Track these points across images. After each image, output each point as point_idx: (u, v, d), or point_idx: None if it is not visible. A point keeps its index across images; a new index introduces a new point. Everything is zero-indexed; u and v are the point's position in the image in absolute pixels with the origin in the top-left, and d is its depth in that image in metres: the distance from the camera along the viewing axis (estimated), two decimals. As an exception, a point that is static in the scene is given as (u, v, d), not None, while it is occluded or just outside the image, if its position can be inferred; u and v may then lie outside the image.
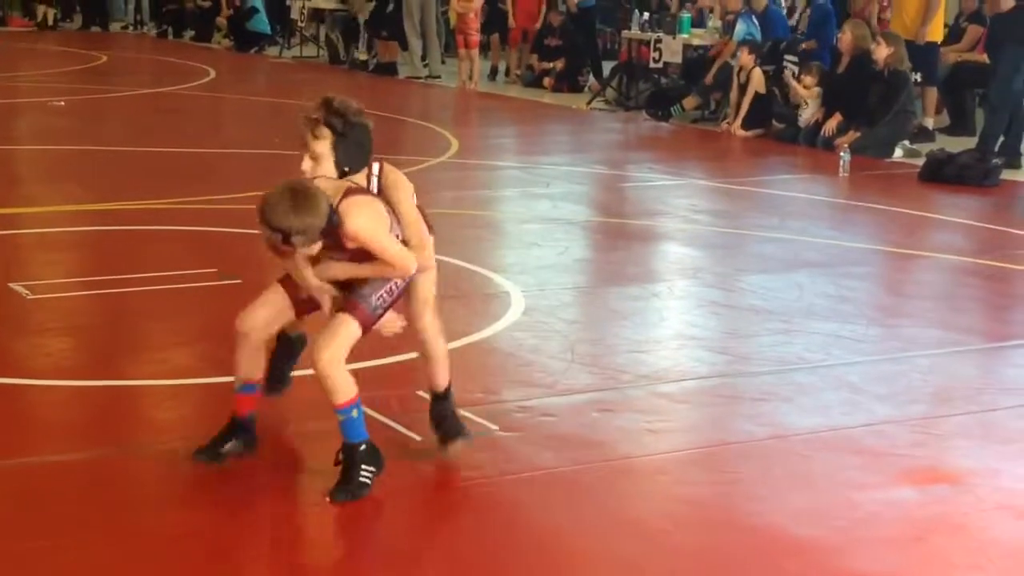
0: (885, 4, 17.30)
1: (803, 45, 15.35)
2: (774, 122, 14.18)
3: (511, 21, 19.53)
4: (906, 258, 8.82)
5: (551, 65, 18.31)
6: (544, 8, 19.01)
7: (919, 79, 14.05)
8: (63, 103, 14.85)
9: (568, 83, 18.17)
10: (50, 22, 25.23)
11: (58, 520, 4.32)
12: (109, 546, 4.15)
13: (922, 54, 13.91)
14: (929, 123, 14.32)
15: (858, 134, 12.74)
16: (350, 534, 4.45)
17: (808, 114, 13.68)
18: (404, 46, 19.81)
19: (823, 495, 4.73)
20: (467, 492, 4.69)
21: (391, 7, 19.45)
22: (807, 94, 13.73)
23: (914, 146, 13.08)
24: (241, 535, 4.33)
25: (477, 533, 4.42)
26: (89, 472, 4.74)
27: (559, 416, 5.45)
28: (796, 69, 15.06)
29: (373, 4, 19.96)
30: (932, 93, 14.45)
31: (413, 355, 5.85)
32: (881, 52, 12.95)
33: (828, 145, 12.95)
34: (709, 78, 15.59)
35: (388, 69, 19.64)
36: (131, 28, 26.49)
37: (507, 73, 19.72)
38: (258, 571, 4.11)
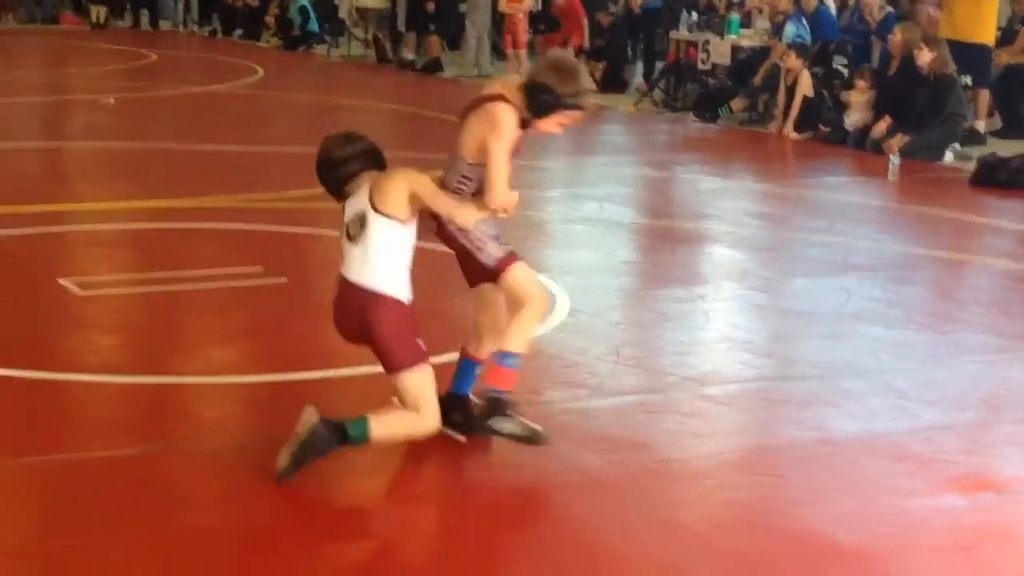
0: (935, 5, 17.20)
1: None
2: (822, 125, 14.09)
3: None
4: (956, 263, 8.75)
5: (597, 66, 18.30)
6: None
7: (970, 82, 13.93)
8: (113, 101, 14.96)
9: (613, 84, 18.13)
10: (102, 21, 25.43)
11: (102, 516, 4.35)
12: (152, 543, 4.16)
13: (974, 56, 13.79)
14: (980, 126, 14.20)
15: (907, 138, 12.64)
16: (394, 533, 4.44)
17: (855, 118, 13.59)
18: (450, 43, 19.85)
19: (869, 501, 4.68)
20: (511, 493, 4.67)
21: (432, 6, 19.51)
22: (857, 99, 13.64)
23: (965, 149, 12.97)
24: (284, 531, 4.33)
25: (521, 534, 4.41)
26: (134, 468, 4.76)
27: (604, 418, 5.43)
28: (846, 71, 14.99)
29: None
30: (984, 96, 14.32)
31: (452, 355, 5.87)
32: (924, 57, 12.84)
33: (877, 148, 12.86)
34: (757, 80, 15.53)
35: (433, 67, 19.68)
36: (181, 27, 26.66)
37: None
38: (300, 568, 4.11)
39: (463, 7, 19.77)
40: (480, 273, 4.94)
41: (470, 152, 4.87)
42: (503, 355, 4.84)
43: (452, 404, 4.98)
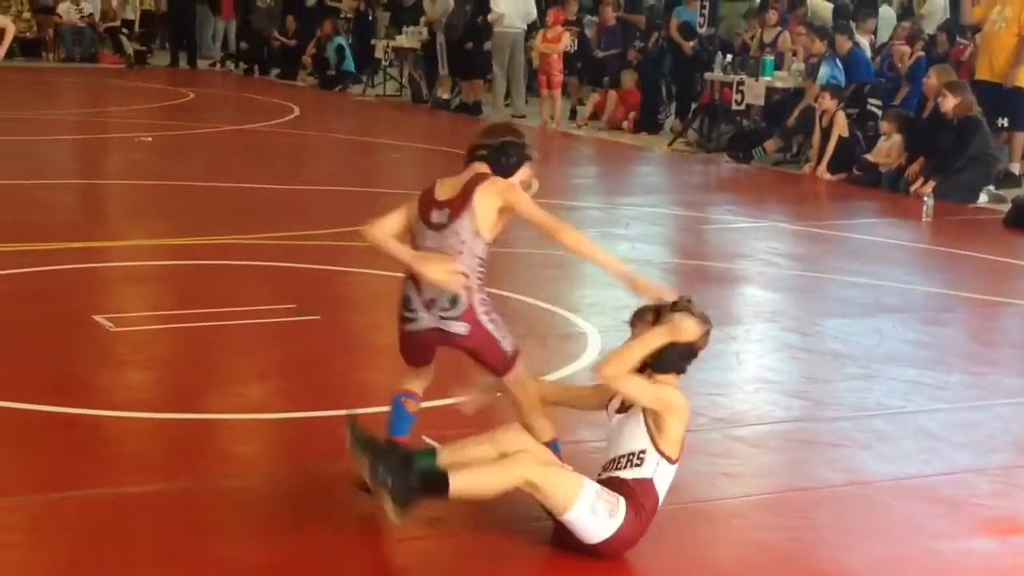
0: (965, 48, 17.19)
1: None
2: (855, 167, 14.08)
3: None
4: (989, 305, 8.71)
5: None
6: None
7: (1005, 124, 13.91)
8: (150, 139, 15.10)
9: (647, 124, 18.17)
10: (132, 57, 25.66)
11: (135, 552, 4.37)
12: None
13: (1009, 99, 13.77)
14: (1015, 168, 14.14)
15: (933, 182, 12.62)
16: (424, 569, 4.45)
17: (879, 157, 13.63)
18: (489, 85, 19.96)
19: (901, 544, 4.66)
20: (536, 533, 4.66)
21: (471, 45, 19.58)
22: (885, 147, 13.67)
23: (999, 191, 12.93)
24: (317, 569, 4.34)
25: (553, 573, 4.41)
26: (165, 505, 4.78)
27: (633, 458, 5.41)
28: (880, 112, 14.98)
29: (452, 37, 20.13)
30: (1019, 138, 14.27)
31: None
32: (948, 103, 12.83)
33: (911, 189, 12.86)
34: (791, 121, 15.53)
35: (472, 108, 19.76)
36: (218, 65, 26.89)
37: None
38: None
39: (487, 45, 19.83)
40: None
41: (489, 230, 4.79)
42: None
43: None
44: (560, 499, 4.27)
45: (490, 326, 4.67)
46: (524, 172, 4.93)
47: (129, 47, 25.82)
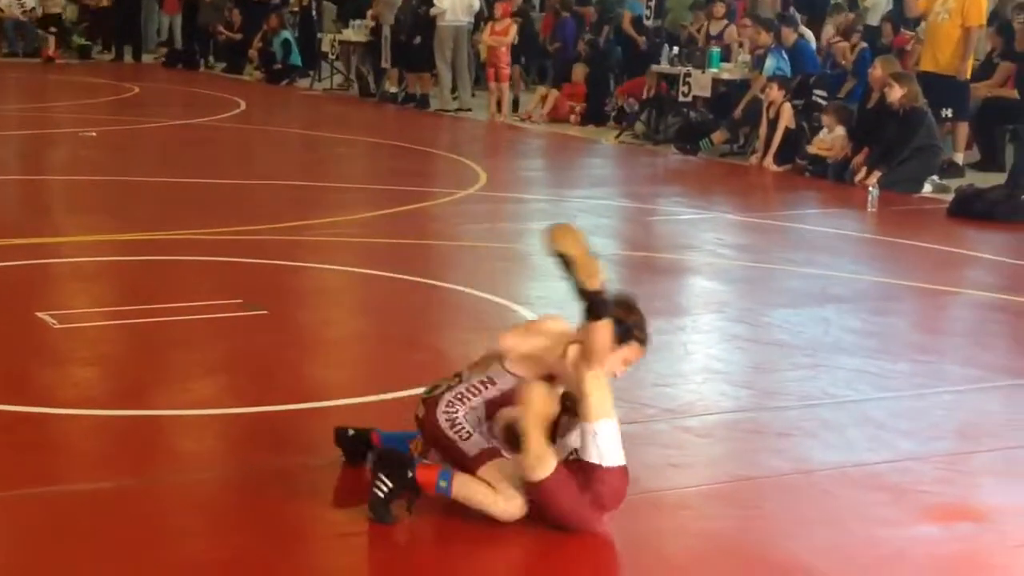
0: (908, 38, 17.36)
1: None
2: (798, 158, 14.16)
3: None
4: (934, 294, 8.79)
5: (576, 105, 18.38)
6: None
7: (950, 115, 14.03)
8: (94, 134, 14.98)
9: (594, 116, 18.20)
10: (51, 53, 25.29)
11: (81, 550, 4.33)
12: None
13: (953, 90, 13.89)
14: (959, 158, 14.28)
15: (879, 172, 12.71)
16: (370, 563, 4.44)
17: (823, 150, 13.73)
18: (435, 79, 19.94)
19: (847, 532, 4.69)
20: (486, 526, 4.65)
21: (418, 40, 19.56)
22: (828, 139, 13.76)
23: (943, 181, 13.04)
24: (267, 565, 4.32)
25: (501, 563, 4.41)
26: (113, 503, 4.75)
27: (582, 449, 5.42)
28: (825, 103, 15.09)
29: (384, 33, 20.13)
30: (963, 128, 14.41)
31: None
32: (895, 94, 12.93)
33: (857, 179, 12.96)
34: (738, 112, 15.61)
35: (419, 101, 19.75)
36: (164, 60, 26.69)
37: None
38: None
39: (416, 40, 19.85)
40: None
41: (523, 369, 4.66)
42: (448, 477, 4.53)
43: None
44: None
45: (445, 426, 4.59)
46: (626, 352, 4.76)
47: (51, 42, 25.43)
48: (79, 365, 6.43)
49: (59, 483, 4.89)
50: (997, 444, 5.72)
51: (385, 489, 4.49)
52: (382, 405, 5.88)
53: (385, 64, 20.44)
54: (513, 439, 4.48)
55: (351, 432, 4.96)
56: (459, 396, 4.61)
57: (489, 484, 4.45)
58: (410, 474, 4.51)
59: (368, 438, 4.94)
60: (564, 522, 4.46)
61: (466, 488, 4.47)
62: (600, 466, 4.47)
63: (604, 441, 4.49)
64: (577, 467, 4.48)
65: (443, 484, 4.34)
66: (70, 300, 7.76)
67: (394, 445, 4.75)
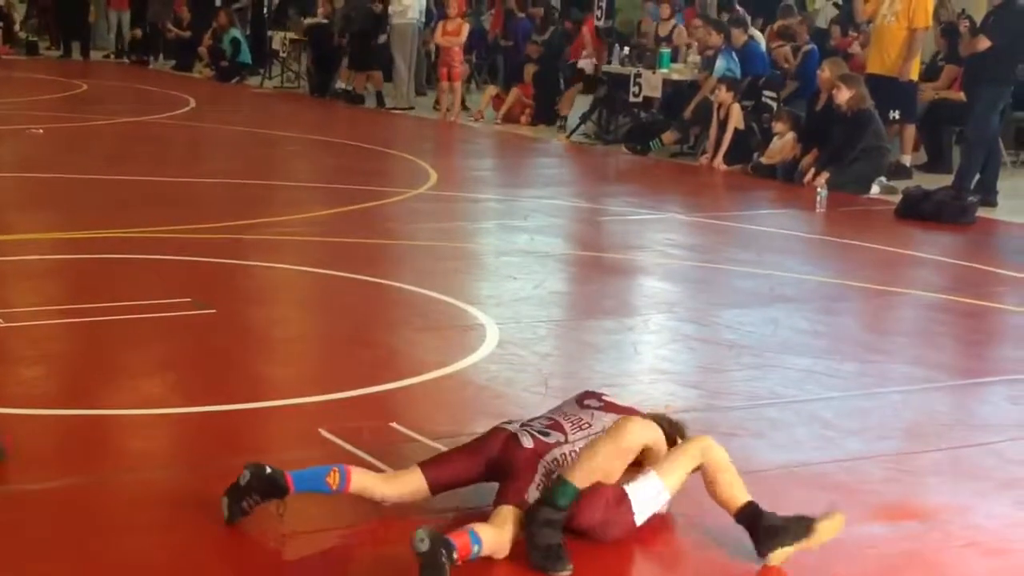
0: (852, 40, 17.49)
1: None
2: (750, 169, 14.23)
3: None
4: (881, 294, 8.86)
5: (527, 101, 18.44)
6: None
7: (897, 116, 14.15)
8: (42, 131, 14.84)
9: (544, 116, 18.24)
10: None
11: (26, 550, 4.30)
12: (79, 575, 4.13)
13: (900, 92, 14.01)
14: (906, 160, 14.40)
15: (827, 173, 12.80)
16: (313, 563, 4.43)
17: (776, 159, 13.80)
18: (388, 76, 19.96)
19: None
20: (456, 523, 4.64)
21: (378, 39, 19.64)
22: (779, 145, 13.85)
23: (891, 183, 13.15)
24: (214, 564, 4.31)
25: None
26: (59, 501, 4.71)
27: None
28: (775, 105, 15.18)
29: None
30: (910, 130, 14.53)
31: (388, 386, 5.88)
32: (842, 96, 13.05)
33: (805, 180, 13.05)
34: (688, 113, 15.67)
35: (363, 100, 19.89)
36: (112, 56, 26.52)
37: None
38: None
39: (382, 38, 19.91)
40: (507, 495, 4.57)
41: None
42: (479, 542, 4.31)
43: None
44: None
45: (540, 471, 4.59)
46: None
47: None
48: (26, 364, 6.37)
49: (5, 482, 4.85)
50: (944, 444, 5.78)
51: (253, 503, 4.44)
52: (331, 404, 5.87)
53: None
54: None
55: (268, 471, 4.56)
56: (564, 458, 4.57)
57: (504, 524, 4.38)
58: (281, 489, 4.43)
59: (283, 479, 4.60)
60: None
61: (490, 539, 4.34)
62: (633, 517, 4.48)
63: (649, 503, 4.52)
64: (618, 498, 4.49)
65: (476, 548, 4.28)
66: (16, 298, 7.69)
67: (310, 484, 4.58)
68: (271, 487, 4.46)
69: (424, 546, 4.01)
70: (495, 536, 4.30)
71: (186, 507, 4.64)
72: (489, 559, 4.27)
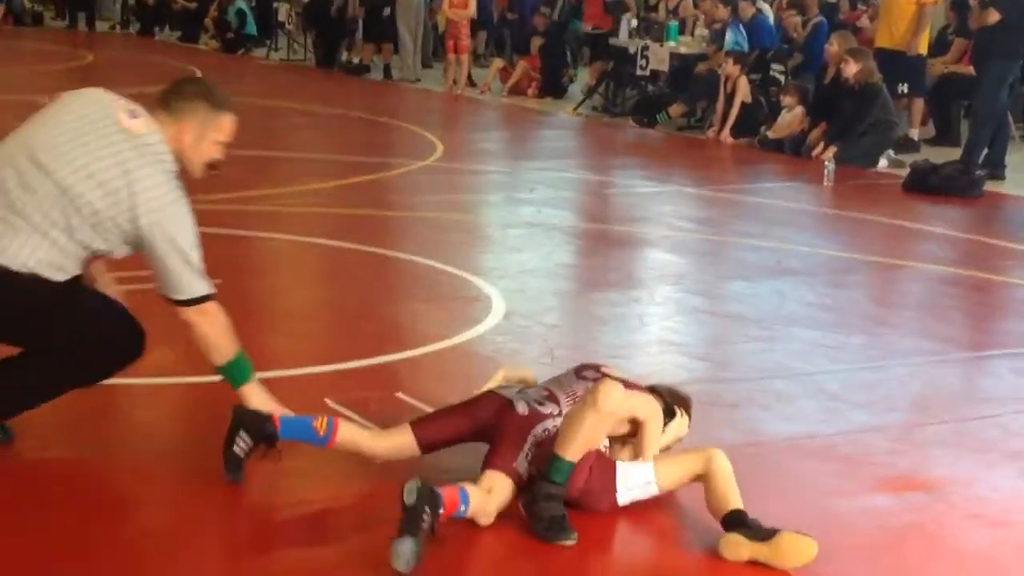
0: (861, 14, 17.41)
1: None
2: (757, 143, 14.19)
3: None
4: (888, 268, 8.84)
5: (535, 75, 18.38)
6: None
7: (905, 90, 14.10)
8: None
9: (551, 89, 18.19)
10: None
11: (30, 519, 4.30)
12: (78, 546, 4.13)
13: (909, 65, 13.96)
14: (914, 134, 14.36)
15: (835, 147, 12.76)
16: (315, 535, 4.43)
17: (783, 133, 13.75)
18: (396, 49, 19.93)
19: (798, 502, 4.72)
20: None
21: (387, 12, 19.59)
22: (787, 119, 13.80)
23: (899, 156, 13.12)
24: (214, 535, 4.31)
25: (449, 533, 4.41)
26: (61, 471, 4.71)
27: (537, 420, 5.42)
28: (782, 78, 15.13)
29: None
30: (918, 104, 14.49)
31: (393, 357, 5.87)
32: (850, 69, 13.00)
33: (813, 154, 13.01)
34: (696, 86, 15.62)
35: (360, 70, 19.86)
36: (118, 28, 26.46)
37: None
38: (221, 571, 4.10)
39: (386, 11, 19.86)
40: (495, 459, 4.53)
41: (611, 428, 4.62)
42: (466, 501, 4.31)
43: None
44: None
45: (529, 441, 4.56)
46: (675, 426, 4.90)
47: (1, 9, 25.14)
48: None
49: (6, 454, 4.84)
50: (949, 416, 5.77)
51: (245, 446, 4.50)
52: (336, 375, 5.87)
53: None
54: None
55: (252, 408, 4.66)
56: (556, 429, 4.52)
57: (491, 490, 4.38)
58: (268, 428, 4.51)
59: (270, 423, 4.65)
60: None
61: (477, 502, 4.33)
62: (615, 496, 4.47)
63: (636, 489, 4.49)
64: (603, 469, 4.48)
65: (463, 508, 4.28)
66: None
67: (297, 430, 4.62)
68: (258, 425, 4.51)
69: (411, 498, 4.02)
70: (482, 500, 4.30)
71: (190, 478, 4.64)
72: (472, 523, 4.26)
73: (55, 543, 4.12)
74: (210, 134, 4.90)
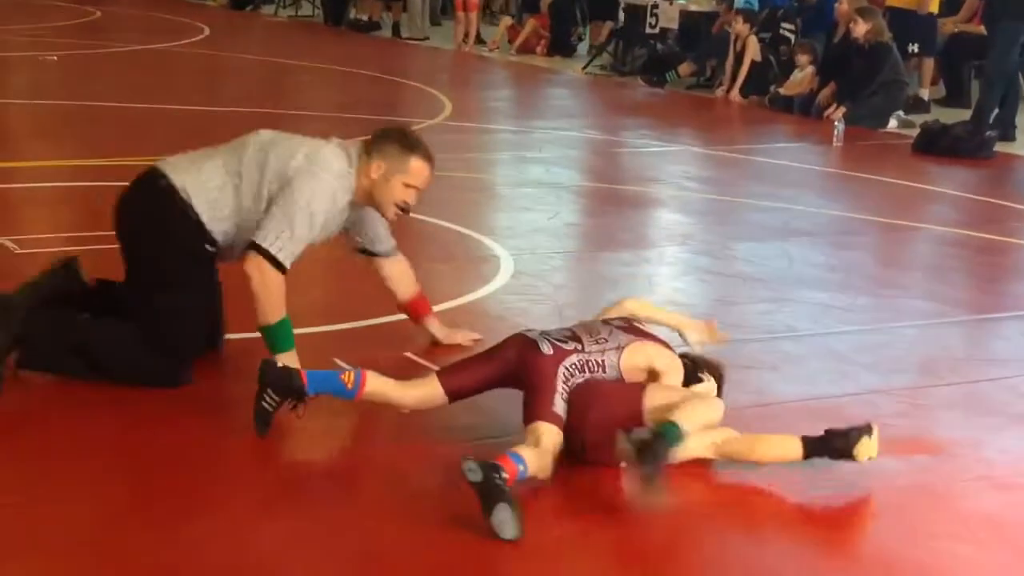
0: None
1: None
2: (767, 101, 14.15)
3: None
4: (897, 229, 8.82)
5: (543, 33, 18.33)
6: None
7: (916, 50, 14.03)
8: (56, 58, 14.79)
9: (560, 47, 18.14)
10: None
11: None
12: (102, 503, 4.15)
13: (920, 25, 13.90)
14: (924, 94, 14.31)
15: (844, 107, 12.72)
16: (343, 493, 4.45)
17: (795, 91, 13.70)
18: (405, 6, 19.86)
19: (805, 463, 4.71)
20: (445, 457, 4.64)
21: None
22: (799, 77, 13.75)
23: (909, 117, 13.08)
24: (244, 490, 4.33)
25: (443, 498, 4.42)
26: (90, 426, 4.73)
27: (545, 380, 5.43)
28: (793, 37, 15.05)
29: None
30: (929, 64, 14.43)
31: (402, 316, 5.87)
32: (860, 29, 12.94)
33: (822, 114, 12.97)
34: (705, 45, 15.55)
35: (370, 27, 19.76)
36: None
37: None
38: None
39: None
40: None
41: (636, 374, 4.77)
42: (523, 463, 4.28)
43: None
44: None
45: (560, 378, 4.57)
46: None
47: None
48: (40, 291, 6.35)
49: (8, 408, 4.86)
50: (957, 378, 5.77)
51: (272, 401, 4.55)
52: (345, 334, 5.88)
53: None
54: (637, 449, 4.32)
55: (280, 364, 4.71)
56: (583, 365, 4.59)
57: (539, 443, 4.39)
58: (296, 383, 4.55)
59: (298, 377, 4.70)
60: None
61: (533, 460, 4.31)
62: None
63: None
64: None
65: (521, 469, 4.28)
66: (31, 225, 7.70)
67: (325, 384, 4.65)
68: (285, 380, 4.56)
69: (477, 475, 4.01)
70: (537, 457, 4.31)
71: (222, 434, 4.67)
72: (534, 479, 4.27)
73: (79, 503, 4.14)
74: (398, 175, 5.08)
